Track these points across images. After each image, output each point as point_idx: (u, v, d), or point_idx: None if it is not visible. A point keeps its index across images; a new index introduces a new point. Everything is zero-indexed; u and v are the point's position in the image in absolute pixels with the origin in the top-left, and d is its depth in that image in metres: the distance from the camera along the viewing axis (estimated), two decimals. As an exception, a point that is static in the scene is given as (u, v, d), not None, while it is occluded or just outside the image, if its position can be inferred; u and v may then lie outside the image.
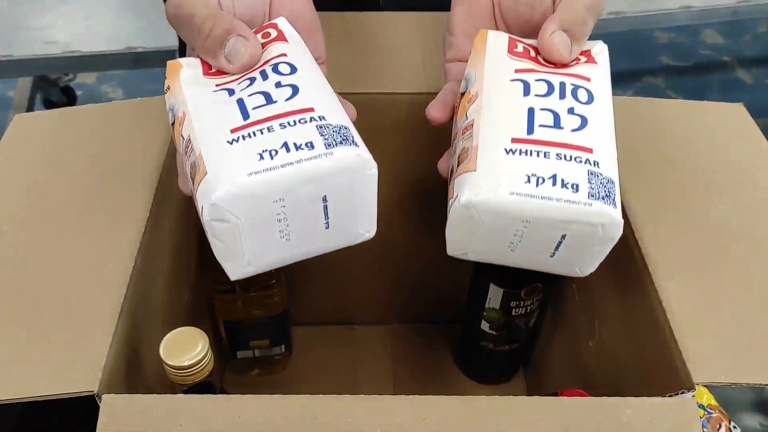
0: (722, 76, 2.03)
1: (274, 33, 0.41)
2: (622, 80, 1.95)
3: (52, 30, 1.23)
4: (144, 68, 1.21)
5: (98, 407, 0.35)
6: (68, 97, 1.76)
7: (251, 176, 0.32)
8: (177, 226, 0.52)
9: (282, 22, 0.42)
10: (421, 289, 0.71)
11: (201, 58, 0.40)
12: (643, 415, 0.35)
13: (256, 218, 0.33)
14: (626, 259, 0.44)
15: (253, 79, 0.38)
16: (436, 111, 0.45)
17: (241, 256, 0.35)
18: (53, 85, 1.72)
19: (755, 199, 0.47)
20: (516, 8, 0.45)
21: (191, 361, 0.38)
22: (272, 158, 0.33)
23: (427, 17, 0.63)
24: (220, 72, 0.39)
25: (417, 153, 0.59)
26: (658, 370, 0.40)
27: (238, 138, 0.34)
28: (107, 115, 0.55)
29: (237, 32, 0.39)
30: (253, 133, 0.34)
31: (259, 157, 0.33)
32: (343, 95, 0.54)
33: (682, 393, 0.37)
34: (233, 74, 0.39)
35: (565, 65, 0.41)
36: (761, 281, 0.42)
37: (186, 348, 0.38)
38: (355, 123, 0.38)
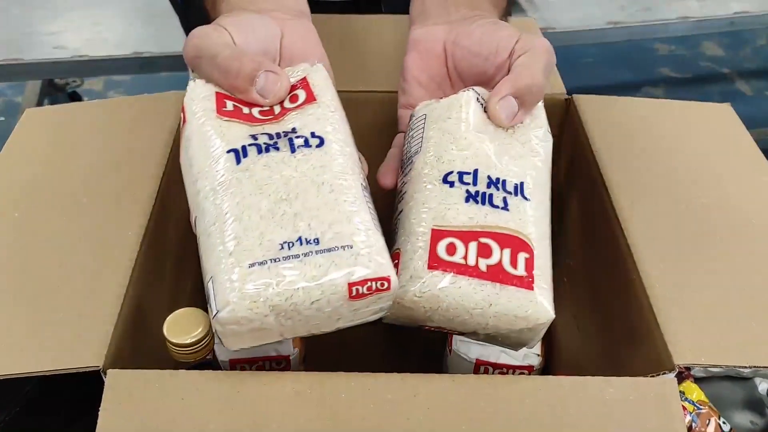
0: (722, 87, 2.05)
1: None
2: (623, 91, 1.98)
3: (61, 35, 1.26)
4: (150, 72, 1.24)
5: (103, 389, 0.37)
6: (75, 103, 1.79)
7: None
8: (182, 215, 0.53)
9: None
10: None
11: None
12: (624, 394, 0.37)
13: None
14: (613, 248, 0.46)
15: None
16: (385, 179, 0.46)
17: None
18: (61, 91, 1.75)
19: (736, 192, 0.49)
20: (469, 59, 0.46)
21: (193, 339, 0.39)
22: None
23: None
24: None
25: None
26: (641, 353, 0.41)
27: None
28: (114, 111, 0.57)
29: (265, 68, 0.40)
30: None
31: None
32: (345, 93, 0.56)
33: (664, 374, 0.38)
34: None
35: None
36: (741, 269, 0.43)
37: (189, 327, 0.40)
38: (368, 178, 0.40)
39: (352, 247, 0.34)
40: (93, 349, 0.38)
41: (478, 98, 0.43)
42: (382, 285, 0.35)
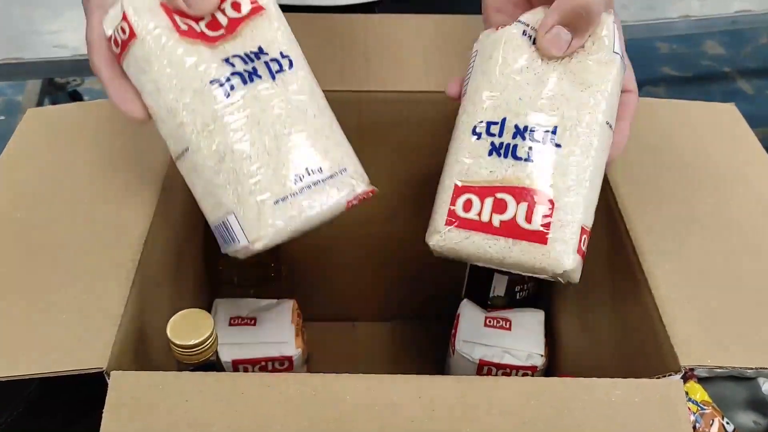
0: (723, 86, 2.05)
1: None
2: (624, 89, 1.97)
3: (62, 34, 1.25)
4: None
5: (105, 390, 0.37)
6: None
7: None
8: (184, 215, 0.53)
9: None
10: (420, 285, 0.72)
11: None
12: (631, 396, 0.36)
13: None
14: (618, 249, 0.46)
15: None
16: (452, 87, 0.44)
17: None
18: (61, 90, 1.75)
19: (742, 193, 0.49)
20: None
21: (197, 341, 0.39)
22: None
23: (427, 19, 0.65)
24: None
25: (417, 150, 0.61)
26: (647, 355, 0.41)
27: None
28: (116, 111, 0.56)
29: None
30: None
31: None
32: (345, 94, 0.56)
33: (670, 375, 0.38)
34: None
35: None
36: (746, 270, 0.43)
37: (192, 328, 0.40)
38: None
39: (346, 170, 0.40)
40: (96, 350, 0.38)
41: (525, 31, 0.41)
42: (368, 195, 0.40)
